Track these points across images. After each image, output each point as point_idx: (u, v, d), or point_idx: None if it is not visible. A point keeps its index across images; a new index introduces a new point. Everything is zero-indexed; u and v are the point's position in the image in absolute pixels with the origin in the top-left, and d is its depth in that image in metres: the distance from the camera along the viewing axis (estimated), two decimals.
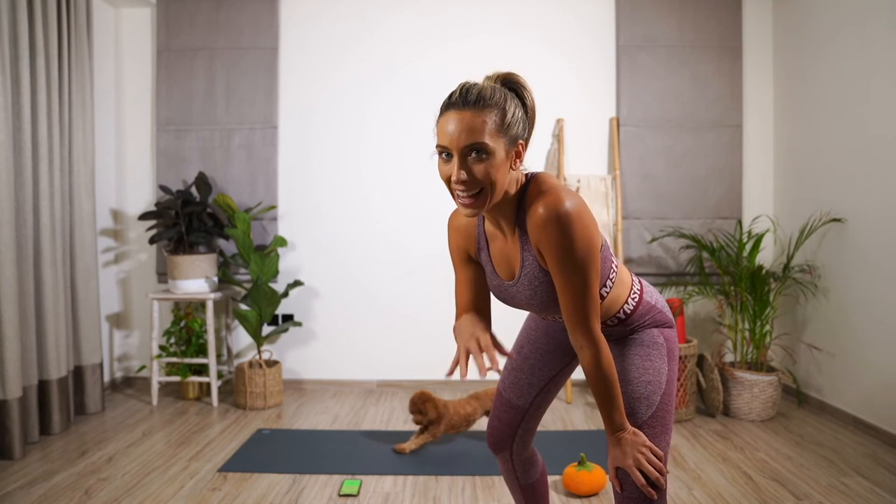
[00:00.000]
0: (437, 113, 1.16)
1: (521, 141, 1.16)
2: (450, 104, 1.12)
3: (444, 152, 1.13)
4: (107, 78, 3.66)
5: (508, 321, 3.27)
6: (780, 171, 3.71)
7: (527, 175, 1.24)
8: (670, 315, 1.42)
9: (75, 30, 3.13)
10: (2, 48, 2.57)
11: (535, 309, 1.31)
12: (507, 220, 1.24)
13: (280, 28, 3.74)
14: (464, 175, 1.10)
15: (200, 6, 3.70)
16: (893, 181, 2.75)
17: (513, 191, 1.20)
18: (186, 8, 3.70)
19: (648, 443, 1.22)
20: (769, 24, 3.76)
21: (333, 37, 3.75)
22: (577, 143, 3.74)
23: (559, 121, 3.67)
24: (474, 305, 1.37)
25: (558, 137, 3.65)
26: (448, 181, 1.14)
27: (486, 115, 1.09)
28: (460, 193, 1.13)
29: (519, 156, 1.16)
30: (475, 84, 1.13)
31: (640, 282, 1.40)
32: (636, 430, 1.23)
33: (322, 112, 3.77)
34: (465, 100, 1.10)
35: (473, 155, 1.10)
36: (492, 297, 1.47)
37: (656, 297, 1.41)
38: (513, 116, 1.13)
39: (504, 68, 1.21)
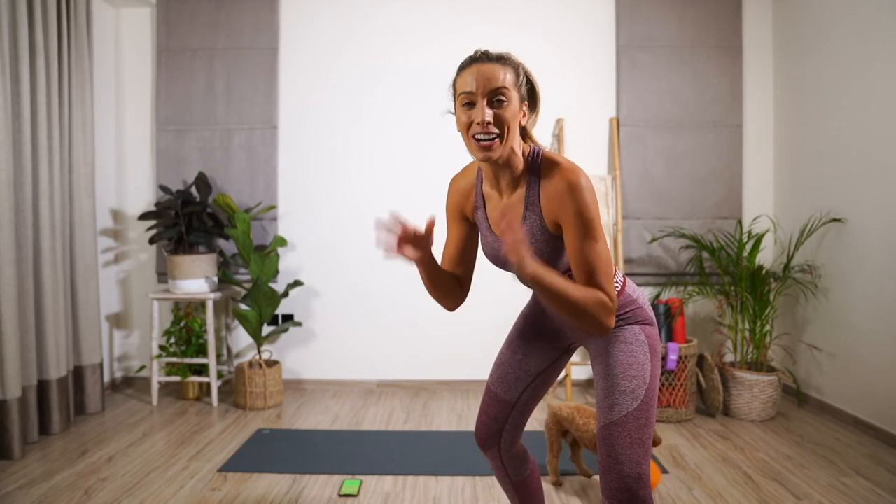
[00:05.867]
0: (456, 72, 1.29)
1: (525, 102, 1.30)
2: (473, 59, 1.27)
3: (467, 101, 1.25)
4: (107, 78, 3.66)
5: (506, 317, 3.28)
6: (780, 171, 3.71)
7: (533, 147, 1.35)
8: (651, 313, 1.46)
9: (75, 30, 3.13)
10: (2, 48, 2.57)
11: None
12: (510, 180, 1.34)
13: (280, 28, 3.74)
14: (489, 115, 1.22)
15: (200, 6, 3.70)
16: (893, 181, 2.75)
17: (519, 151, 1.31)
18: (186, 8, 3.70)
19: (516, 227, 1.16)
20: (769, 23, 3.76)
21: (334, 36, 3.75)
22: (577, 143, 3.74)
23: (559, 121, 3.67)
24: (456, 259, 1.48)
25: (558, 137, 3.65)
26: (468, 127, 1.25)
27: (506, 69, 1.25)
28: (482, 136, 1.23)
29: (525, 115, 1.31)
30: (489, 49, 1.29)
31: (622, 276, 1.47)
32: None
33: (322, 112, 3.76)
34: (487, 56, 1.26)
35: (496, 100, 1.24)
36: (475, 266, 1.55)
37: (638, 293, 1.46)
38: (523, 78, 1.29)
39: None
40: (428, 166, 3.74)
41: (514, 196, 1.35)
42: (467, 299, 1.37)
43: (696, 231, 3.66)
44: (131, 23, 3.78)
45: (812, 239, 3.32)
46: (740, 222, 3.63)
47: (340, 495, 2.27)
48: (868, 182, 2.92)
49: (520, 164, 1.32)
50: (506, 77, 1.24)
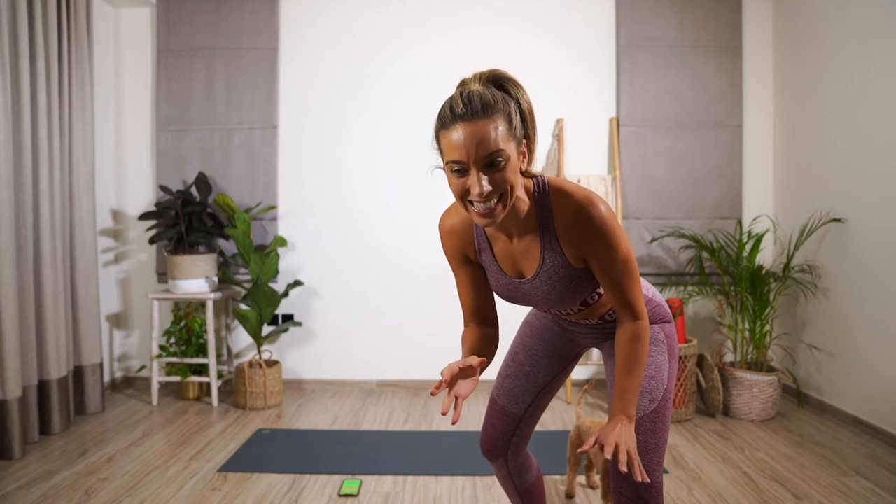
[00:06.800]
0: (438, 126, 1.09)
1: (524, 141, 1.13)
2: (456, 117, 1.05)
3: (458, 167, 1.07)
4: (107, 78, 3.66)
5: (506, 317, 3.28)
6: (780, 171, 3.71)
7: (536, 179, 1.22)
8: (668, 309, 1.43)
9: (75, 30, 3.13)
10: (2, 48, 2.57)
11: (550, 303, 1.30)
12: (520, 223, 1.22)
13: (280, 28, 3.74)
14: (487, 185, 1.06)
15: (200, 6, 3.70)
16: (893, 181, 2.75)
17: (523, 194, 1.18)
18: (186, 8, 3.70)
19: (636, 453, 1.15)
20: (769, 23, 3.76)
21: (333, 37, 3.75)
22: (577, 143, 3.74)
23: (559, 121, 3.67)
24: (479, 307, 1.37)
25: (558, 137, 3.65)
26: (464, 195, 1.09)
27: (496, 122, 1.05)
28: (480, 205, 1.09)
29: (524, 156, 1.14)
30: (472, 91, 1.07)
31: None
32: (633, 436, 1.19)
33: (322, 112, 3.76)
34: (472, 110, 1.04)
35: (491, 164, 1.06)
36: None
37: (653, 291, 1.44)
38: (516, 118, 1.09)
39: (489, 66, 1.17)
40: (428, 166, 3.74)
41: (526, 238, 1.24)
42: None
43: (696, 231, 3.66)
44: (131, 23, 3.78)
45: (812, 239, 3.32)
46: (740, 222, 3.63)
47: (340, 495, 2.27)
48: (868, 182, 2.92)
49: (526, 206, 1.20)
50: (498, 133, 1.04)
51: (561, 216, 1.18)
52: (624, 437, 1.12)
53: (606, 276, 1.20)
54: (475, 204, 1.09)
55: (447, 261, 1.39)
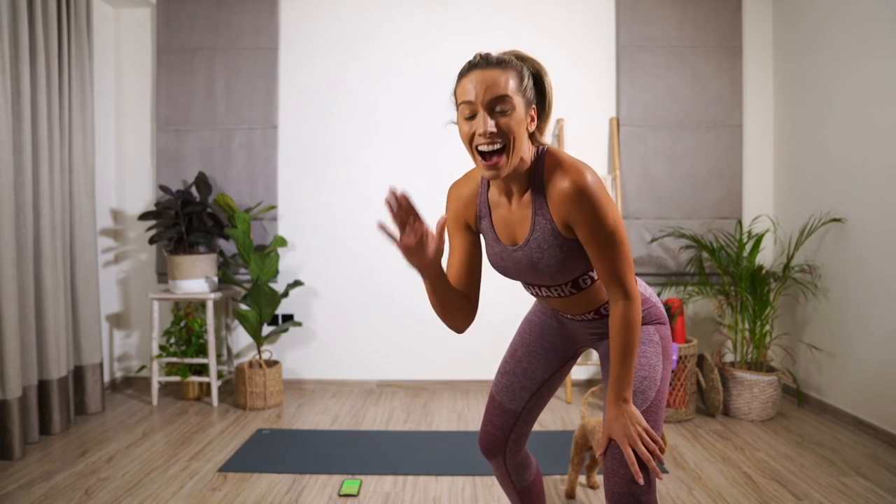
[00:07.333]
0: (456, 80, 1.21)
1: (533, 106, 1.22)
2: (472, 65, 1.18)
3: (468, 111, 1.17)
4: (107, 78, 3.66)
5: (507, 317, 3.28)
6: (780, 171, 3.71)
7: (539, 146, 1.28)
8: (663, 310, 1.45)
9: (75, 30, 3.13)
10: (2, 48, 2.57)
11: (538, 273, 1.32)
12: (520, 186, 1.28)
13: (280, 28, 3.74)
14: (492, 126, 1.14)
15: (200, 6, 3.70)
16: (893, 181, 2.76)
17: (527, 156, 1.25)
18: (186, 8, 3.70)
19: (646, 425, 1.24)
20: (769, 23, 3.76)
21: (333, 36, 3.75)
22: (577, 143, 3.74)
23: (559, 121, 3.67)
24: (463, 280, 1.39)
25: (558, 137, 3.65)
26: (471, 139, 1.18)
27: (507, 74, 1.16)
28: (485, 148, 1.16)
29: (532, 120, 1.23)
30: (490, 52, 1.21)
31: None
32: (636, 410, 1.25)
33: (322, 112, 3.77)
34: (487, 60, 1.17)
35: (497, 109, 1.15)
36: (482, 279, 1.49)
37: (650, 291, 1.45)
38: (527, 81, 1.20)
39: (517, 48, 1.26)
40: (427, 166, 3.74)
41: (523, 205, 1.28)
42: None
43: (696, 231, 3.66)
44: (131, 23, 3.78)
45: (812, 239, 3.32)
46: (740, 222, 3.63)
47: (340, 495, 2.27)
48: (868, 182, 2.92)
49: (525, 168, 1.26)
50: (508, 83, 1.15)
51: (550, 182, 1.23)
52: (630, 422, 1.22)
53: (592, 244, 1.21)
54: (482, 152, 1.17)
55: (447, 227, 1.42)
